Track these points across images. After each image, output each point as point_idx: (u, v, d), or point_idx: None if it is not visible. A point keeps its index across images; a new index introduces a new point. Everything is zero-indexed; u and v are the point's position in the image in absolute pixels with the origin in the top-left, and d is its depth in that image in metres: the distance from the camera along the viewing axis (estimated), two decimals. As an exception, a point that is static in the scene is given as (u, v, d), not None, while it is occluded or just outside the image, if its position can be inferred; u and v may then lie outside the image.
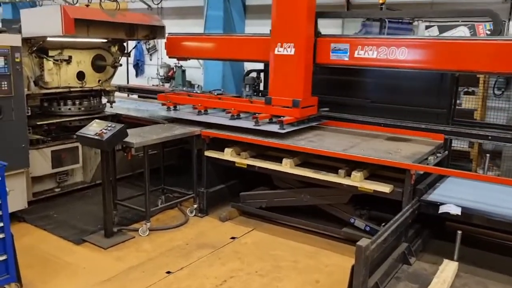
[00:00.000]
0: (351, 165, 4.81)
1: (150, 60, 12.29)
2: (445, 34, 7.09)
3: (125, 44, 6.70)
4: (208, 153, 5.67)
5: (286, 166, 5.06)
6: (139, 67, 12.19)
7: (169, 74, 10.80)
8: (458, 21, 7.05)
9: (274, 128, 5.34)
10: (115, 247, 4.87)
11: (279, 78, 5.53)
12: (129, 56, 7.28)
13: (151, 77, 11.93)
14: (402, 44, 4.87)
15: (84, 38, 6.07)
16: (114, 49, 6.62)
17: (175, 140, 5.55)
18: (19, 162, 5.16)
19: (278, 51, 5.44)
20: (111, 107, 6.86)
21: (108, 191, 4.98)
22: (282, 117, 5.39)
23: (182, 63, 10.25)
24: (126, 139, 4.80)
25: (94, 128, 4.79)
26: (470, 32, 6.91)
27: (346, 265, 4.55)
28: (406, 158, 4.54)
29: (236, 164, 5.47)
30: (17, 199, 5.19)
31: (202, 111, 6.21)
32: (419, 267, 4.38)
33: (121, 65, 6.77)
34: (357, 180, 4.63)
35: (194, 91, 7.47)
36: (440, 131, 5.42)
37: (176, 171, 6.79)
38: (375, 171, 4.86)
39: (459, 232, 4.12)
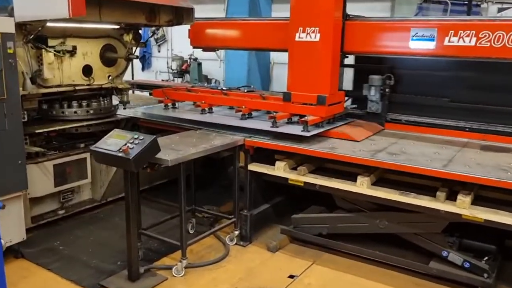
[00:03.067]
0: (447, 184, 3.73)
1: (159, 52, 11.02)
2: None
3: (141, 31, 5.49)
4: (253, 167, 4.53)
5: (363, 187, 3.92)
6: (145, 60, 10.92)
7: (183, 67, 9.56)
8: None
9: (296, 130, 4.46)
10: (144, 295, 3.74)
11: (300, 70, 4.67)
12: (145, 46, 6.07)
13: (159, 71, 10.72)
14: None
15: (94, 24, 4.87)
16: (127, 37, 5.40)
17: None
18: (14, 184, 4.02)
19: (299, 37, 4.59)
20: (124, 108, 5.67)
21: (133, 220, 3.82)
22: (305, 117, 4.50)
23: (197, 55, 9.11)
24: (158, 155, 3.63)
25: (114, 141, 3.59)
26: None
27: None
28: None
29: (290, 182, 4.35)
30: (13, 230, 4.06)
31: (206, 109, 5.35)
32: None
33: (136, 57, 5.56)
34: (465, 206, 3.51)
35: (220, 88, 6.29)
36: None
37: (200, 182, 5.63)
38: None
39: None
